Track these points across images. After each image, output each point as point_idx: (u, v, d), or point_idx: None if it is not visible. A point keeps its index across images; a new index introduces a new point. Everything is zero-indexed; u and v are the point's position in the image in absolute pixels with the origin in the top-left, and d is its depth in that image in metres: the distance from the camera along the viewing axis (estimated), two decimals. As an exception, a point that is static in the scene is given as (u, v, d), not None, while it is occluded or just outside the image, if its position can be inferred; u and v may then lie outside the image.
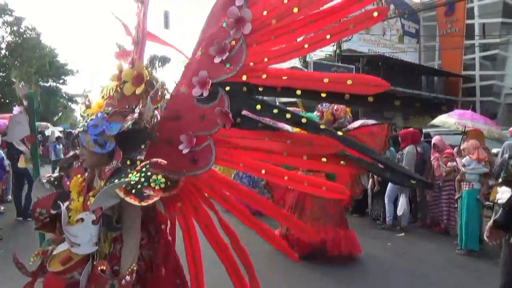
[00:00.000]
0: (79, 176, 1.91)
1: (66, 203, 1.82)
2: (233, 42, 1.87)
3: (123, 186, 1.63)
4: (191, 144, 1.89)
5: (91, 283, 1.66)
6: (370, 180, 7.28)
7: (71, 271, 1.69)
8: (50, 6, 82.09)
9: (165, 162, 1.76)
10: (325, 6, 1.69)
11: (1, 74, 26.05)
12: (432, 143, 6.80)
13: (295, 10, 1.72)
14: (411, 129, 7.28)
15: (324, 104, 6.39)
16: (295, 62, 21.04)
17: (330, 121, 5.46)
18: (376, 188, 7.21)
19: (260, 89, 1.85)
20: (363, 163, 1.80)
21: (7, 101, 25.52)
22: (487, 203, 5.42)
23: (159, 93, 2.02)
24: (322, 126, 1.81)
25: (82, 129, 1.82)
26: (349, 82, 1.64)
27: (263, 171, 1.91)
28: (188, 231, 2.14)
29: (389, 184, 6.78)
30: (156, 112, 2.06)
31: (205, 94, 1.89)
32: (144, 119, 1.88)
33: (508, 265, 2.72)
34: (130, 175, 1.68)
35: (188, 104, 1.95)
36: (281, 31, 1.78)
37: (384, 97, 1.63)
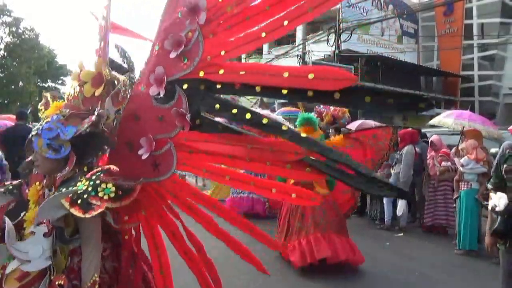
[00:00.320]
0: (37, 183, 1.78)
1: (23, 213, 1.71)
2: (190, 34, 1.70)
3: (70, 195, 1.51)
4: (151, 148, 1.75)
5: None
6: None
7: (29, 287, 1.59)
8: (49, 7, 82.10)
9: (117, 169, 1.67)
10: None
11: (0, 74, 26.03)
12: (430, 141, 6.82)
13: None
14: (409, 129, 7.29)
15: (321, 105, 6.36)
16: (295, 63, 21.07)
17: (330, 122, 5.44)
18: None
19: (218, 86, 1.67)
20: (331, 171, 1.63)
21: (6, 101, 25.50)
22: (486, 203, 5.43)
23: (122, 94, 1.84)
24: (284, 128, 1.59)
25: (35, 132, 1.69)
26: (311, 76, 1.45)
27: (227, 177, 1.75)
28: (153, 241, 1.96)
29: (388, 184, 6.78)
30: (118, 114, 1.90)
31: (162, 93, 1.73)
32: (103, 122, 1.72)
33: (511, 278, 2.60)
34: (78, 183, 1.57)
35: (147, 104, 1.80)
36: (237, 19, 1.63)
37: (353, 93, 1.47)
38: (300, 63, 20.11)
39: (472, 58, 26.83)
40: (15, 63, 25.90)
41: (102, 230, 1.67)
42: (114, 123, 1.83)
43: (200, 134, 1.73)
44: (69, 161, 1.67)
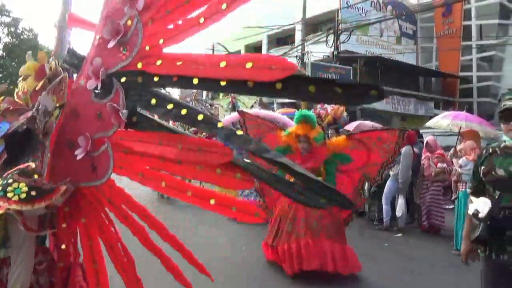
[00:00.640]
0: None
1: None
2: (129, 22, 1.57)
3: None
4: (87, 148, 1.60)
5: None
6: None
7: None
8: (47, 7, 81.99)
9: (33, 166, 1.53)
10: None
11: (-2, 75, 26.01)
12: (425, 142, 6.85)
13: None
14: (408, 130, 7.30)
15: (318, 106, 6.32)
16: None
17: (330, 122, 5.37)
18: (372, 189, 7.23)
19: (156, 79, 1.53)
20: (264, 176, 1.46)
21: (5, 102, 25.42)
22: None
23: (63, 88, 1.69)
24: (219, 124, 1.43)
25: None
26: (249, 65, 1.32)
27: (163, 184, 1.56)
28: (91, 253, 1.77)
29: (387, 185, 6.81)
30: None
31: (99, 86, 1.60)
32: (47, 119, 1.60)
33: (491, 285, 2.42)
34: None
35: (85, 99, 1.65)
36: (176, 3, 1.51)
37: (296, 82, 1.33)
38: (299, 64, 20.14)
39: (471, 59, 26.87)
40: (14, 63, 25.88)
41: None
42: (57, 119, 1.69)
43: (135, 133, 1.58)
44: None
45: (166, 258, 1.89)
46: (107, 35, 1.60)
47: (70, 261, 1.80)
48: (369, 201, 7.55)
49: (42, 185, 1.50)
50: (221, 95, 26.72)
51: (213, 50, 27.05)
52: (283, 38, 26.61)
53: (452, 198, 5.91)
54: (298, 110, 5.04)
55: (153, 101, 1.54)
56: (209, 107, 12.93)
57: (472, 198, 2.38)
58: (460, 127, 6.37)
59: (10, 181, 1.45)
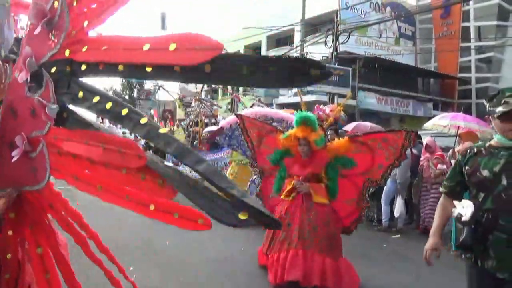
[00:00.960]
0: None
1: None
2: (56, 3, 1.40)
3: None
4: (22, 149, 1.46)
5: None
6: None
7: None
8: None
9: None
10: None
11: (-3, 75, 25.99)
12: (424, 143, 6.85)
13: None
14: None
15: (316, 106, 6.25)
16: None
17: (331, 123, 5.20)
18: (371, 189, 7.23)
19: (83, 67, 1.37)
20: (183, 188, 1.27)
21: (4, 102, 25.40)
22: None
23: (3, 81, 1.54)
24: (142, 121, 1.28)
25: None
26: (173, 47, 1.18)
27: (99, 188, 1.41)
28: (42, 263, 1.63)
29: (386, 186, 6.81)
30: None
31: (29, 79, 1.45)
32: None
33: None
34: None
35: (20, 94, 1.49)
36: None
37: (226, 63, 1.19)
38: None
39: (469, 61, 26.95)
40: (13, 63, 25.91)
41: None
42: None
43: (67, 131, 1.44)
44: None
45: (107, 270, 1.78)
46: (34, 20, 1.43)
47: (17, 272, 1.65)
48: (369, 202, 7.56)
49: None
50: (220, 95, 26.75)
51: (212, 50, 27.03)
52: (282, 39, 26.65)
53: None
54: (297, 111, 4.76)
55: (80, 93, 1.38)
56: (212, 107, 12.85)
57: (455, 202, 2.21)
58: (458, 127, 6.39)
59: None
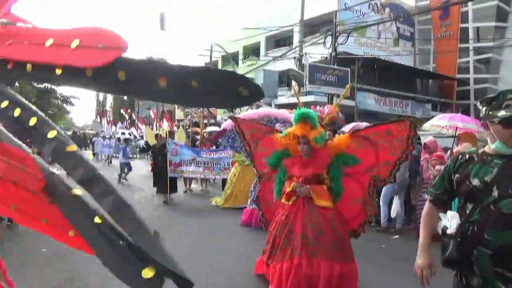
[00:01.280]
0: None
1: None
2: None
3: None
4: None
5: None
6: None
7: None
8: (45, 7, 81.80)
9: None
10: None
11: (-4, 75, 25.92)
12: (423, 143, 6.86)
13: None
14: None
15: (311, 107, 6.20)
16: (292, 65, 21.15)
17: (331, 122, 5.09)
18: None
19: (9, 67, 1.14)
20: (82, 222, 1.04)
21: (2, 102, 25.31)
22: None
23: None
24: (50, 135, 1.08)
25: None
26: (75, 43, 1.00)
27: (12, 207, 1.14)
28: None
29: (384, 186, 6.82)
30: None
31: None
32: None
33: None
34: None
35: None
36: None
37: (142, 73, 1.00)
38: (298, 66, 20.16)
39: (468, 61, 27.01)
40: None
41: None
42: None
43: None
44: None
45: None
46: None
47: None
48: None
49: None
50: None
51: (211, 51, 27.09)
52: (281, 40, 26.68)
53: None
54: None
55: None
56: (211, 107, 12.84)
57: (441, 214, 2.02)
58: (457, 128, 6.40)
59: None
